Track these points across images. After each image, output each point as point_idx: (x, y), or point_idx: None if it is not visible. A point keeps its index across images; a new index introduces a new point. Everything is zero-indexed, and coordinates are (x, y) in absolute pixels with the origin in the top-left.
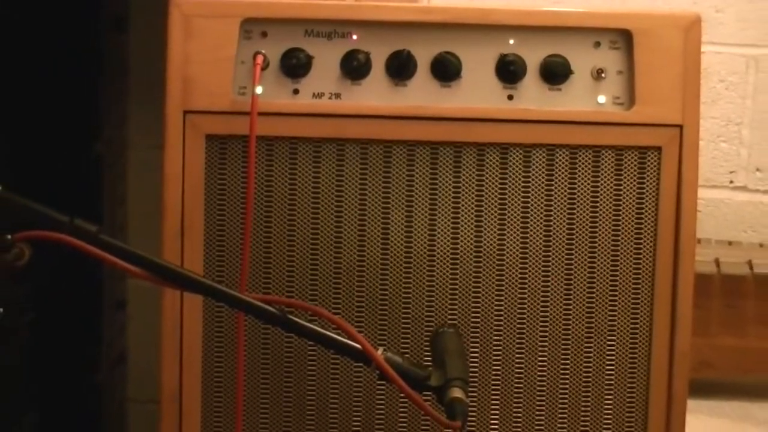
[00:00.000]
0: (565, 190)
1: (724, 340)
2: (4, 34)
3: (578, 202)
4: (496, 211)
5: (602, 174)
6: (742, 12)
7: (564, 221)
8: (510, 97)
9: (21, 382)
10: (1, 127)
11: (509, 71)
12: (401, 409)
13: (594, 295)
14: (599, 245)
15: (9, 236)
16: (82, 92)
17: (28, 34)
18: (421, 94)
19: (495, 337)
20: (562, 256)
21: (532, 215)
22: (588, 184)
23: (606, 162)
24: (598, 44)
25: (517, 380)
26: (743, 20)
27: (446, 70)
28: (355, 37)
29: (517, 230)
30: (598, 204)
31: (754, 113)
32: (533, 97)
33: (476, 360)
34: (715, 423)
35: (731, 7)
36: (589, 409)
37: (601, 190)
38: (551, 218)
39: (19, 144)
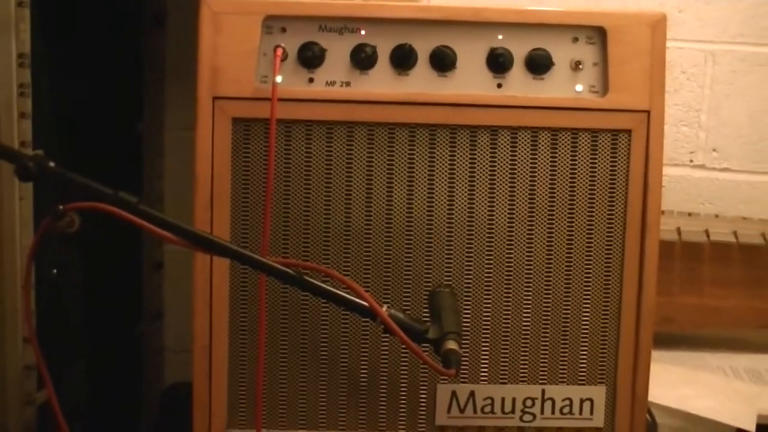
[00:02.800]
0: (547, 167)
1: (684, 298)
2: (62, 30)
3: (558, 177)
4: (486, 185)
5: (580, 153)
6: (701, 12)
7: (546, 194)
8: (499, 86)
9: (72, 333)
10: (57, 111)
11: (498, 63)
12: (403, 359)
13: (572, 258)
14: (577, 215)
15: (61, 206)
16: (126, 80)
17: (81, 30)
18: (421, 82)
19: (485, 296)
20: (544, 225)
21: (518, 189)
22: (567, 162)
23: (583, 143)
24: (576, 39)
25: (504, 334)
26: (702, 20)
27: (443, 61)
28: (363, 32)
29: (505, 202)
30: (575, 179)
31: (711, 101)
32: (519, 86)
33: (468, 316)
34: (675, 370)
35: (691, 8)
36: (566, 358)
37: (579, 167)
38: (535, 192)
39: (71, 126)
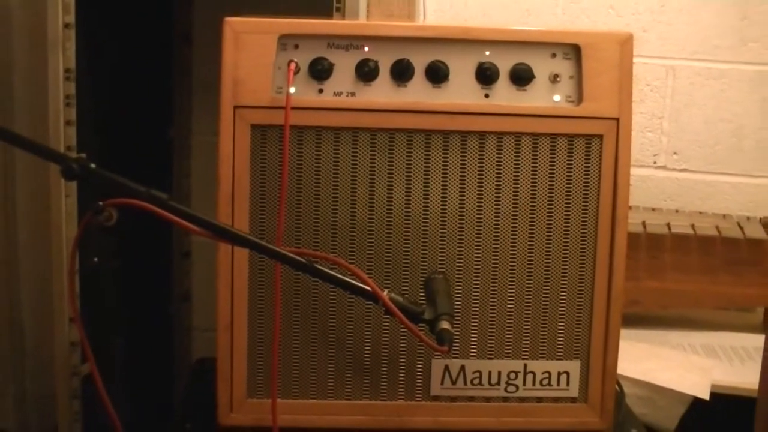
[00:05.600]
0: (529, 168)
1: (648, 283)
2: (103, 49)
3: (539, 177)
4: (475, 184)
5: (557, 156)
6: (663, 33)
7: (528, 191)
8: (486, 96)
9: (111, 313)
10: (98, 118)
11: (486, 75)
12: (401, 337)
13: (551, 248)
14: (555, 210)
15: (101, 203)
16: (158, 91)
17: (119, 48)
18: (418, 93)
19: (474, 282)
20: (526, 219)
21: (503, 187)
22: (546, 163)
23: (560, 146)
24: (554, 55)
25: (490, 315)
26: (663, 39)
27: (437, 74)
28: (366, 48)
29: (492, 198)
30: (554, 179)
31: (672, 110)
32: (504, 96)
33: (459, 299)
34: (641, 346)
35: (654, 28)
36: (546, 335)
37: (557, 168)
38: (518, 189)
39: (111, 131)
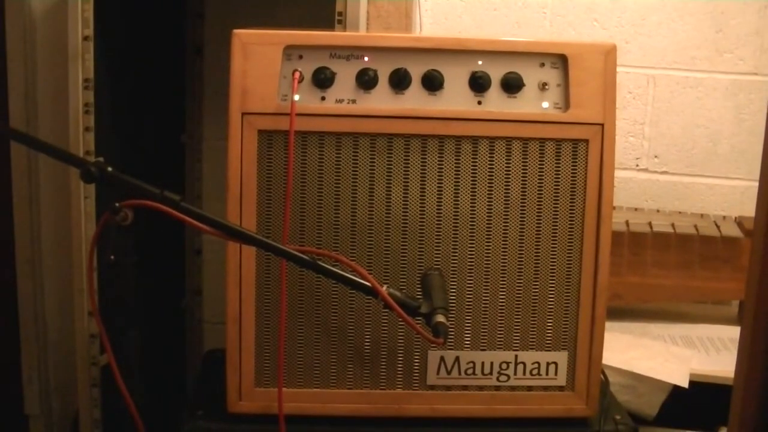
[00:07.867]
0: (519, 170)
1: (631, 278)
2: (119, 60)
3: (529, 179)
4: (469, 185)
5: (546, 159)
6: (644, 44)
7: (518, 192)
8: (479, 103)
9: (128, 307)
10: (115, 124)
11: (478, 84)
12: (399, 330)
13: (540, 245)
14: (544, 210)
15: (117, 204)
16: (171, 99)
17: (135, 59)
18: (415, 100)
19: (468, 277)
20: (517, 218)
21: (495, 188)
22: (536, 166)
23: (549, 150)
24: (542, 65)
25: (483, 309)
26: (644, 50)
27: (433, 82)
28: (366, 58)
29: (484, 199)
30: (543, 180)
31: (653, 116)
32: (496, 103)
33: (454, 294)
34: (624, 338)
35: (636, 40)
36: (535, 328)
37: (546, 170)
38: (509, 190)
39: (127, 136)
